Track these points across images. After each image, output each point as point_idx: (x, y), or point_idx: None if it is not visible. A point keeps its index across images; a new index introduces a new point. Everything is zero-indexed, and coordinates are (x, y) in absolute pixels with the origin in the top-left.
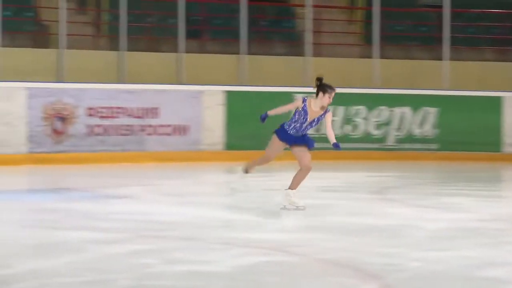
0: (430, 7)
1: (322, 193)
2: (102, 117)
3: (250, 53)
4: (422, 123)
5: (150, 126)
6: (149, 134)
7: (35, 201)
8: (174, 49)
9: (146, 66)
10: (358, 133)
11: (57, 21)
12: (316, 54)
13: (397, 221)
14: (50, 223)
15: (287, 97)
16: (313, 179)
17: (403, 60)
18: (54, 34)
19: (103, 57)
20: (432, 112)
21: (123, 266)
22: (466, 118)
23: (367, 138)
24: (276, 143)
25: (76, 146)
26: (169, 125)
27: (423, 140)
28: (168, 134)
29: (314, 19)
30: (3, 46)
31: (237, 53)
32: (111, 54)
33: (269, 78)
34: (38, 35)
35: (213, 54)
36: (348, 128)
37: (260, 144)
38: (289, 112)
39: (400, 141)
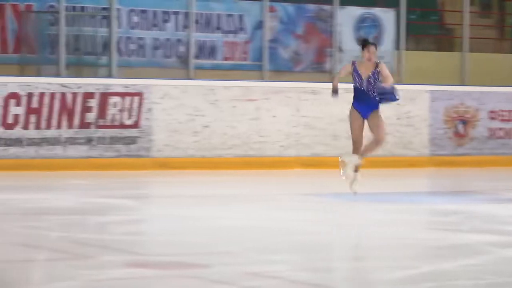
0: None
1: None
2: (503, 120)
3: None
4: None
5: None
6: None
7: (436, 203)
8: None
9: None
10: None
11: (460, 25)
12: None
13: None
14: (451, 226)
15: None
16: None
17: None
18: (458, 37)
19: (507, 60)
20: None
21: None
22: None
23: None
24: (354, 120)
25: (477, 149)
26: None
27: None
28: None
29: None
30: (408, 49)
31: None
32: None
33: None
34: (442, 38)
35: None
36: None
37: None
38: None
39: None
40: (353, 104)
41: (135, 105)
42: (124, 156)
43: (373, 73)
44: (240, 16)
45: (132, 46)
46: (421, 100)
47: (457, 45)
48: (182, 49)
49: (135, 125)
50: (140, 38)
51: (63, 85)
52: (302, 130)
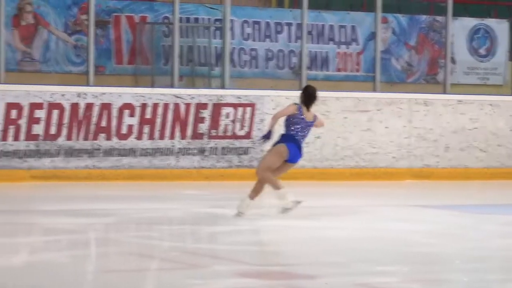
0: None
1: None
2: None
3: None
4: None
5: None
6: None
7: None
8: None
9: None
10: None
11: None
12: None
13: None
14: None
15: None
16: None
17: None
18: None
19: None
20: None
21: None
22: None
23: None
24: (282, 155)
25: None
26: None
27: None
28: None
29: None
30: None
31: None
32: None
33: None
34: None
35: None
36: None
37: None
38: None
39: None
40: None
41: (247, 115)
42: (236, 166)
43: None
44: (353, 27)
45: (245, 57)
46: None
47: None
48: (294, 60)
49: (247, 136)
50: (253, 49)
51: (176, 96)
52: (414, 142)
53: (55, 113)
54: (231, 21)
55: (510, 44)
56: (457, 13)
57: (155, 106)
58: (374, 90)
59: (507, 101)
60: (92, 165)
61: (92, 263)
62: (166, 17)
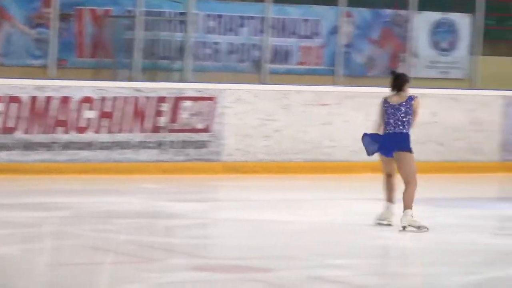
0: None
1: None
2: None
3: None
4: None
5: None
6: None
7: (505, 209)
8: None
9: None
10: None
11: None
12: None
13: None
14: None
15: None
16: None
17: None
18: None
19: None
20: None
21: None
22: None
23: None
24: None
25: None
26: None
27: None
28: None
29: None
30: (485, 54)
31: None
32: None
33: None
34: None
35: None
36: None
37: None
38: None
39: None
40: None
41: (207, 109)
42: (194, 160)
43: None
44: (316, 21)
45: (207, 51)
46: (494, 106)
47: None
48: (256, 53)
49: (207, 130)
50: (216, 43)
51: (136, 89)
52: None
53: (14, 106)
54: (194, 14)
55: (472, 38)
56: (420, 7)
57: (115, 99)
58: (334, 84)
59: (467, 95)
60: (49, 158)
61: (46, 256)
62: (129, 11)
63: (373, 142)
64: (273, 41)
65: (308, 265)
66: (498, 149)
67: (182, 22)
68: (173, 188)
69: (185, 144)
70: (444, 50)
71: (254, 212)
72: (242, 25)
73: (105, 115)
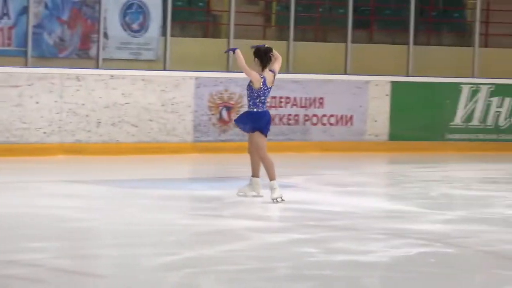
0: None
1: (483, 184)
2: (267, 106)
3: (418, 43)
4: None
5: (315, 115)
6: (313, 124)
7: (198, 189)
8: (342, 39)
9: (314, 56)
10: None
11: (227, 11)
12: (485, 45)
13: None
14: (213, 211)
15: (454, 88)
16: (473, 171)
17: None
18: (224, 24)
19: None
20: None
21: (283, 255)
22: None
23: None
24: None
25: (241, 135)
26: (334, 115)
27: None
28: (333, 124)
29: (484, 10)
30: (174, 35)
31: (405, 43)
32: (280, 44)
33: (436, 69)
34: (209, 24)
35: (381, 45)
36: None
37: (426, 135)
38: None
39: None
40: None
41: None
42: None
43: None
44: (4, 1)
45: None
46: (186, 87)
47: (224, 31)
48: None
49: None
50: None
51: None
52: (65, 117)
53: None
54: None
55: (163, 20)
56: None
57: None
58: (25, 65)
59: (159, 76)
60: None
61: None
62: None
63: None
64: None
65: (5, 250)
66: (191, 130)
67: None
68: None
69: None
70: (135, 31)
71: None
72: None
73: None
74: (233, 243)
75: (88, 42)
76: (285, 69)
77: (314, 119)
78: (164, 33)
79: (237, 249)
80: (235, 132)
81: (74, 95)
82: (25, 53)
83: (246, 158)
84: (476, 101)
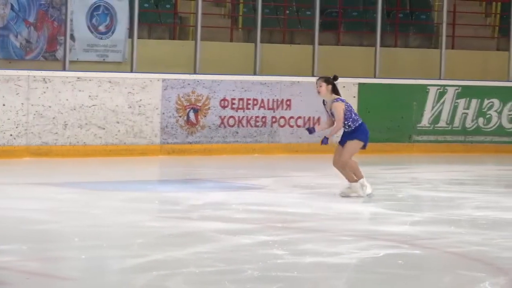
0: None
1: (452, 186)
2: (235, 108)
3: (385, 45)
4: None
5: (282, 117)
6: (281, 126)
7: (166, 191)
8: (309, 41)
9: (281, 58)
10: (491, 126)
11: (194, 14)
12: (451, 46)
13: None
14: (181, 213)
15: (421, 90)
16: (443, 172)
17: None
18: (191, 26)
19: (239, 49)
20: None
21: (251, 257)
22: None
23: (500, 131)
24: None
25: (208, 137)
26: (301, 117)
27: None
28: (300, 126)
29: (450, 12)
30: (142, 38)
31: (372, 45)
32: (247, 46)
33: (403, 70)
34: (175, 27)
35: (348, 46)
36: (480, 121)
37: (393, 137)
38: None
39: None
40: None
41: None
42: None
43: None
44: None
45: None
46: (153, 89)
47: (191, 33)
48: None
49: None
50: None
51: None
52: (32, 119)
53: None
54: None
55: (130, 22)
56: None
57: None
58: None
59: (126, 78)
60: None
61: None
62: None
63: None
64: None
65: None
66: (158, 132)
67: None
68: None
69: None
70: (102, 33)
71: None
72: None
73: None
74: (201, 245)
75: (54, 44)
76: (252, 71)
77: (282, 121)
78: (131, 35)
79: (205, 251)
80: (202, 134)
81: (41, 97)
82: None
83: (213, 160)
84: (443, 103)
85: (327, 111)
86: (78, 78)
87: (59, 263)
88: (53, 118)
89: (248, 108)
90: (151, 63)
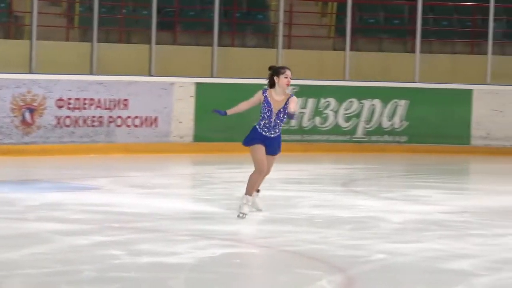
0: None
1: (289, 185)
2: (71, 108)
3: (222, 45)
4: (391, 116)
5: (119, 117)
6: (118, 126)
7: (3, 192)
8: (146, 41)
9: (118, 58)
10: (328, 125)
11: (29, 13)
12: (288, 46)
13: (364, 213)
14: (17, 215)
15: (258, 89)
16: (279, 171)
17: (374, 53)
18: (27, 25)
19: (75, 49)
20: (401, 104)
21: (88, 258)
22: (436, 111)
23: (336, 130)
24: (258, 150)
25: (44, 137)
26: (138, 117)
27: (392, 132)
28: (138, 126)
29: (287, 11)
30: None
31: (209, 45)
32: (83, 46)
33: (241, 70)
34: (11, 25)
35: (185, 46)
36: (317, 120)
37: (229, 136)
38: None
39: (369, 133)
40: (252, 140)
41: None
42: None
43: (284, 108)
44: None
45: None
46: None
47: (26, 33)
48: None
49: None
50: None
51: None
52: None
53: None
54: None
55: None
56: None
57: None
58: None
59: None
60: None
61: None
62: None
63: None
64: None
65: None
66: None
67: None
68: None
69: None
70: None
71: None
72: None
73: None
74: (38, 246)
75: None
76: (89, 70)
77: (119, 121)
78: None
79: (41, 252)
80: (38, 134)
81: None
82: None
83: (50, 161)
84: None
85: (267, 101)
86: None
87: None
88: None
89: (84, 108)
90: None
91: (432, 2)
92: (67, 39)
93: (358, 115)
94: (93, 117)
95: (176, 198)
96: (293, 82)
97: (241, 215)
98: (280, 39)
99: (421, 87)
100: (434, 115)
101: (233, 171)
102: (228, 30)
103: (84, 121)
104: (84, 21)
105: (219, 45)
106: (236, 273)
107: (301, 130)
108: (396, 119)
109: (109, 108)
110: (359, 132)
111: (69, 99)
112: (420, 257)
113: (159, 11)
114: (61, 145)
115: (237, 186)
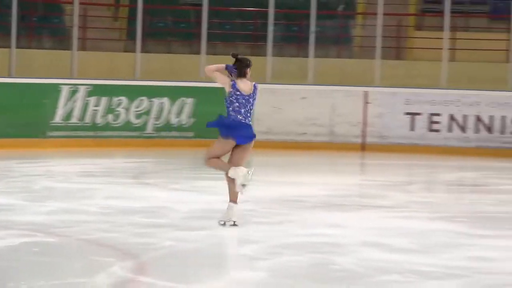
0: (190, 5)
1: (82, 178)
2: None
3: (19, 47)
4: (179, 113)
5: None
6: None
7: None
8: None
9: None
10: (120, 122)
11: None
12: (83, 48)
13: (153, 204)
14: None
15: (54, 89)
16: (72, 165)
17: (163, 54)
18: None
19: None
20: (188, 102)
21: None
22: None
23: (127, 126)
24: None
25: None
26: None
27: (180, 128)
28: None
29: (81, 16)
30: None
31: (8, 47)
32: None
33: (38, 70)
34: None
35: None
36: (110, 117)
37: (27, 133)
38: None
39: (158, 129)
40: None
41: None
42: None
43: (254, 94)
44: None
45: None
46: None
47: None
48: None
49: None
50: None
51: None
52: None
53: None
54: None
55: None
56: None
57: None
58: None
59: None
60: None
61: None
62: None
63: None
64: None
65: None
66: None
67: None
68: None
69: None
70: None
71: None
72: None
73: None
74: None
75: None
76: None
77: None
78: None
79: None
80: None
81: None
82: None
83: None
84: (75, 101)
85: (237, 90)
86: None
87: None
88: None
89: None
90: None
91: (217, 7)
92: None
93: (148, 113)
94: None
95: None
96: (87, 82)
97: (232, 223)
98: (75, 41)
99: (206, 86)
100: (219, 112)
101: (31, 165)
102: (26, 33)
103: None
104: None
105: (17, 47)
106: (35, 261)
107: (94, 127)
108: (183, 116)
109: None
110: (149, 128)
111: None
112: (207, 243)
113: None
114: None
115: (35, 179)
